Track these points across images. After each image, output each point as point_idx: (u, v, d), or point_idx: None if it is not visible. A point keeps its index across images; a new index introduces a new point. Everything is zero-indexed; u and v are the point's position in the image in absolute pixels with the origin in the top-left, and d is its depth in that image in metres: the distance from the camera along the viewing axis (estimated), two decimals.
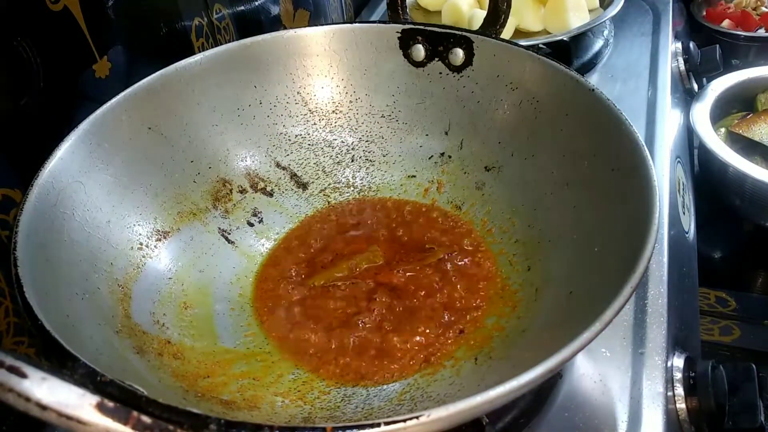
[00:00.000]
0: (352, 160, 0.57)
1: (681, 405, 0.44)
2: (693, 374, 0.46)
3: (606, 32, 0.87)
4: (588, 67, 0.82)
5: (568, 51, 0.77)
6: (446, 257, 0.49)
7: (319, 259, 0.51)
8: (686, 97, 0.89)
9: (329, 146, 0.57)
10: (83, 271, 0.40)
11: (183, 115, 0.51)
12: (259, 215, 0.54)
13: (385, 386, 0.41)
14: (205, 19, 0.63)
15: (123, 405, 0.23)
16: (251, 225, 0.53)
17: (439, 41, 0.53)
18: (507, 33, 0.81)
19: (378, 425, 0.24)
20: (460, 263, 0.48)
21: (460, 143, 0.54)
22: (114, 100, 0.46)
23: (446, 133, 0.55)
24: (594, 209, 0.42)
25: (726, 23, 1.12)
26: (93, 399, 0.22)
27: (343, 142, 0.57)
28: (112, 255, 0.43)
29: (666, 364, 0.45)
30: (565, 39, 0.76)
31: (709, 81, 0.89)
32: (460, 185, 0.54)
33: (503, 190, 0.51)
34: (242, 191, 0.54)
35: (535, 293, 0.44)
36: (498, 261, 0.48)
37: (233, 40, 0.55)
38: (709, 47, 0.90)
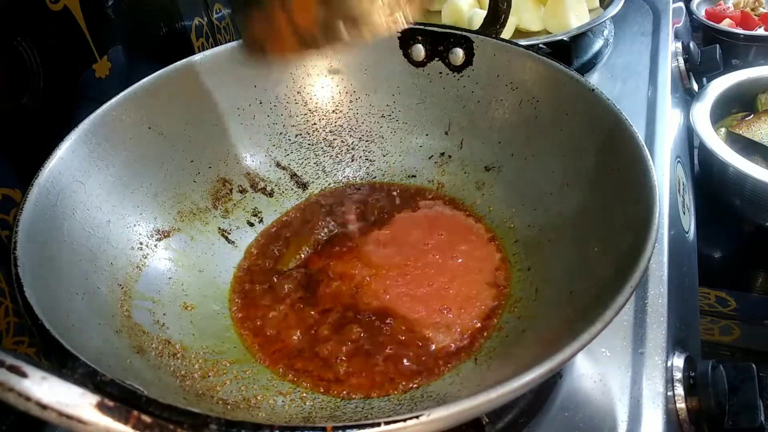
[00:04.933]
0: (352, 160, 0.57)
1: (681, 405, 0.44)
2: (693, 374, 0.46)
3: (606, 32, 0.87)
4: (588, 67, 0.82)
5: (568, 51, 0.77)
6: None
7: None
8: (686, 96, 0.89)
9: (329, 146, 0.57)
10: (83, 271, 0.40)
11: (183, 115, 0.51)
12: (259, 215, 0.54)
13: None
14: (205, 18, 0.63)
15: (123, 404, 0.23)
16: (251, 225, 0.53)
17: (439, 41, 0.53)
18: (507, 33, 0.81)
19: (378, 425, 0.24)
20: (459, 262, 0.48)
21: (460, 143, 0.54)
22: (114, 99, 0.46)
23: (446, 133, 0.55)
24: (594, 209, 0.42)
25: (726, 23, 1.12)
26: (93, 398, 0.22)
27: (343, 141, 0.57)
28: (112, 254, 0.43)
29: (666, 364, 0.45)
30: (565, 39, 0.76)
31: (709, 81, 0.88)
32: (460, 185, 0.54)
33: (503, 190, 0.51)
34: (242, 191, 0.54)
35: (535, 293, 0.44)
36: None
37: (233, 40, 0.55)
38: (709, 47, 0.90)
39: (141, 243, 0.46)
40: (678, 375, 0.45)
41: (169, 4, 0.58)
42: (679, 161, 0.72)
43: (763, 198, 0.77)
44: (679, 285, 0.55)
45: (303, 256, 0.50)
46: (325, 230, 0.52)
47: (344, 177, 0.57)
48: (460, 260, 0.48)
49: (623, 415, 0.42)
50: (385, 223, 0.52)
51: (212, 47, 0.53)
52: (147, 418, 0.23)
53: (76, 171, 0.42)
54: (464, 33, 0.52)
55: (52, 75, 0.45)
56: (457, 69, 0.53)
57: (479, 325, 0.43)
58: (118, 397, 0.23)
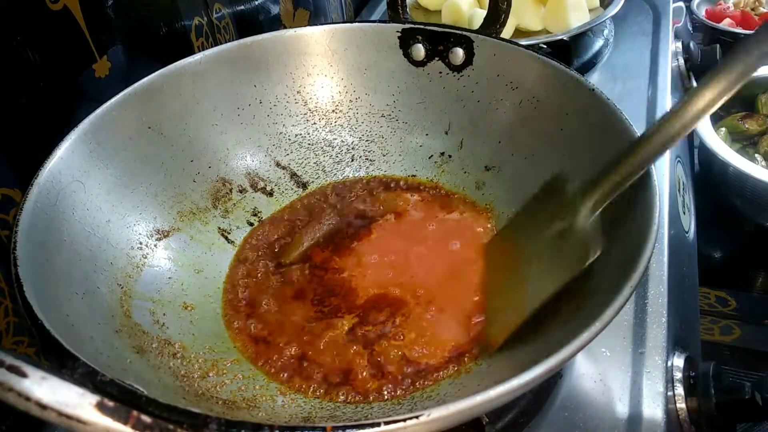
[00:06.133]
0: (352, 160, 0.57)
1: (681, 405, 0.44)
2: (693, 374, 0.46)
3: (606, 31, 0.87)
4: (588, 67, 0.82)
5: (568, 50, 0.77)
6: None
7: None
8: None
9: (329, 146, 0.57)
10: (83, 271, 0.40)
11: (183, 115, 0.51)
12: (259, 215, 0.54)
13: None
14: (205, 18, 0.63)
15: (123, 404, 0.23)
16: (251, 225, 0.53)
17: (439, 41, 0.53)
18: (507, 32, 0.81)
19: (378, 425, 0.24)
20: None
21: (460, 143, 0.54)
22: (114, 99, 0.46)
23: (446, 133, 0.55)
24: None
25: (726, 22, 1.12)
26: (93, 398, 0.22)
27: (343, 141, 0.57)
28: (111, 254, 0.43)
29: (666, 364, 0.45)
30: (565, 38, 0.76)
31: None
32: (460, 185, 0.54)
33: (503, 190, 0.51)
34: (242, 191, 0.54)
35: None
36: None
37: (233, 40, 0.55)
38: (709, 47, 0.90)
39: (141, 243, 0.46)
40: (678, 375, 0.45)
41: (169, 4, 0.58)
42: (679, 161, 0.72)
43: (763, 198, 0.77)
44: (679, 285, 0.55)
45: (303, 251, 0.50)
46: (326, 226, 0.52)
47: (344, 177, 0.57)
48: (460, 259, 0.48)
49: (623, 415, 0.42)
50: (385, 222, 0.52)
51: (212, 47, 0.53)
52: (147, 418, 0.23)
53: (75, 171, 0.42)
54: (464, 32, 0.52)
55: (52, 75, 0.45)
56: (457, 69, 0.53)
57: (479, 324, 0.43)
58: (117, 397, 0.23)
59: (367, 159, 0.57)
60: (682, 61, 0.89)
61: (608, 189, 0.37)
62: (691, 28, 1.12)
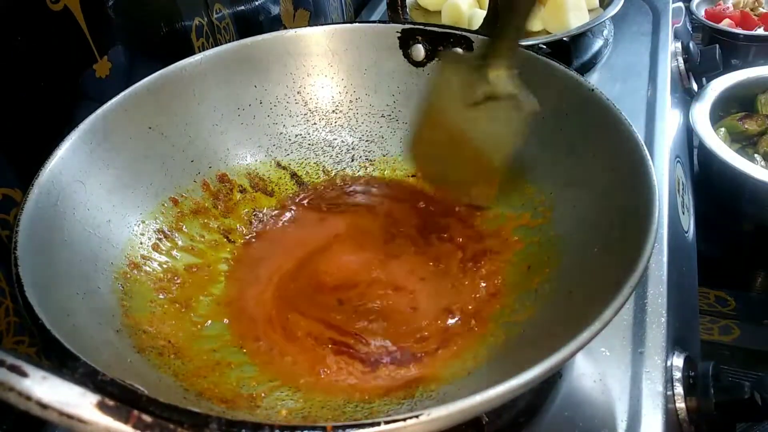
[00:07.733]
0: (352, 160, 0.57)
1: (681, 404, 0.44)
2: (693, 374, 0.46)
3: (606, 32, 0.87)
4: (588, 67, 0.82)
5: (567, 51, 0.77)
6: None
7: None
8: (686, 96, 0.90)
9: (329, 146, 0.57)
10: (84, 271, 0.40)
11: (183, 115, 0.51)
12: (259, 215, 0.54)
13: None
14: (205, 18, 0.63)
15: (123, 404, 0.23)
16: (251, 224, 0.53)
17: (438, 41, 0.53)
18: None
19: (378, 424, 0.24)
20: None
21: None
22: (114, 99, 0.46)
23: None
24: (594, 209, 0.42)
25: (726, 23, 1.12)
26: (93, 398, 0.22)
27: (343, 141, 0.57)
28: (112, 254, 0.43)
29: (665, 364, 0.45)
30: (564, 39, 0.76)
31: (708, 81, 0.89)
32: None
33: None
34: (242, 191, 0.54)
35: (534, 293, 0.44)
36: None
37: (233, 40, 0.55)
38: (708, 47, 0.90)
39: (141, 243, 0.46)
40: (677, 375, 0.45)
41: (169, 4, 0.58)
42: (678, 161, 0.73)
43: (762, 198, 0.77)
44: (679, 285, 0.55)
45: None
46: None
47: (344, 177, 0.57)
48: (458, 260, 0.48)
49: (623, 415, 0.42)
50: (386, 221, 0.52)
51: (212, 47, 0.53)
52: (147, 418, 0.23)
53: (76, 171, 0.42)
54: (464, 33, 0.52)
55: (52, 75, 0.45)
56: None
57: (478, 324, 0.43)
58: (118, 396, 0.23)
59: (367, 159, 0.57)
60: (681, 61, 0.89)
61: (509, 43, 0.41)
62: (690, 29, 1.12)
